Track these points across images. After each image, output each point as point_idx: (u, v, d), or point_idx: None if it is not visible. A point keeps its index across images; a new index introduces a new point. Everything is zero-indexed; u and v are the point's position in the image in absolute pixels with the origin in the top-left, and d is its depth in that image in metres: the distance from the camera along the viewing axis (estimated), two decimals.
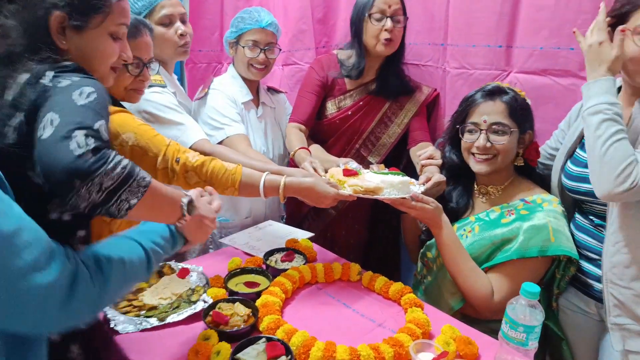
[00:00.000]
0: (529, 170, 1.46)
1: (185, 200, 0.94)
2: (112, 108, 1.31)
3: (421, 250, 1.59)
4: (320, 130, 2.00)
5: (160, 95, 1.63)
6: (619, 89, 1.30)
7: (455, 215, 1.53)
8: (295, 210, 2.15)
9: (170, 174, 1.32)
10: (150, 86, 1.57)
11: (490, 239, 1.36)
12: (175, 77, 2.03)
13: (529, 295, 0.97)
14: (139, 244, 0.87)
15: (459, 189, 1.55)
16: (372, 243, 2.23)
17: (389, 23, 1.72)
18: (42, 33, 0.85)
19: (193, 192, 1.02)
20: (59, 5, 0.85)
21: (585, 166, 1.29)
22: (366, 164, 1.85)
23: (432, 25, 1.89)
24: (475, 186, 1.52)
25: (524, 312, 0.97)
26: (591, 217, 1.30)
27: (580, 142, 1.36)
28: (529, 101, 1.42)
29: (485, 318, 1.38)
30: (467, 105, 1.44)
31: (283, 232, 1.74)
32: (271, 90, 2.11)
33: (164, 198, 0.88)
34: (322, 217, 2.09)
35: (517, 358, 1.00)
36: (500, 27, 1.66)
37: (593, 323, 1.33)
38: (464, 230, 1.46)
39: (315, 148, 1.91)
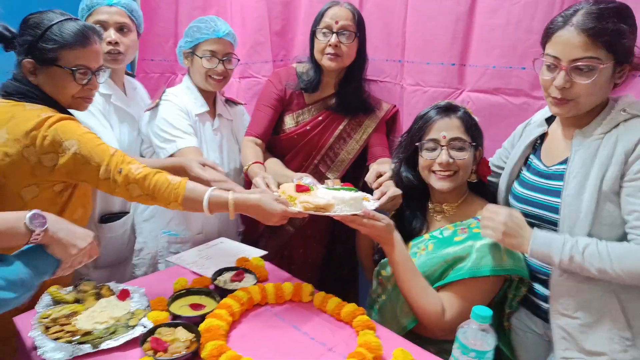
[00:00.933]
0: (482, 187, 1.47)
1: (28, 215, 0.99)
2: (57, 115, 1.25)
3: (376, 269, 1.57)
4: (278, 145, 1.95)
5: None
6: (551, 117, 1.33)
7: (411, 234, 1.51)
8: (252, 227, 2.09)
9: (113, 185, 1.27)
10: None
11: (442, 257, 1.35)
12: (139, 87, 1.98)
13: (481, 320, 0.95)
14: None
15: (413, 207, 1.53)
16: (330, 262, 2.19)
17: (333, 38, 1.71)
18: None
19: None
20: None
21: (532, 189, 1.30)
22: (324, 180, 1.82)
23: (390, 42, 1.89)
24: (430, 204, 1.51)
25: (475, 337, 0.95)
26: None
27: (525, 162, 1.37)
28: (476, 118, 1.43)
29: (436, 337, 1.36)
30: (423, 123, 1.43)
31: (235, 251, 1.67)
32: (229, 102, 2.05)
33: None
34: (279, 234, 2.03)
35: None
36: (454, 45, 1.68)
37: (542, 343, 1.33)
38: (418, 248, 1.44)
39: (273, 162, 1.86)
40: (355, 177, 1.97)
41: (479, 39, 1.63)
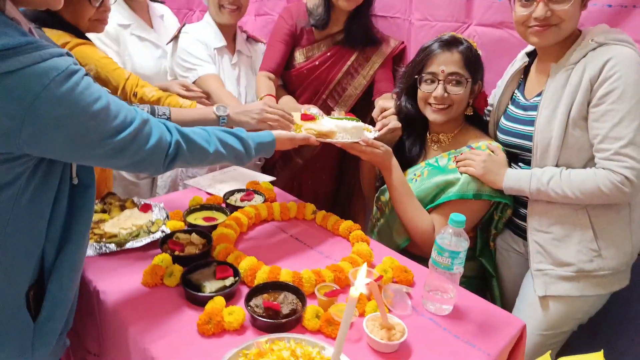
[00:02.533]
0: (478, 119, 1.54)
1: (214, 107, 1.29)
2: (75, 40, 1.36)
3: (376, 195, 1.68)
4: (288, 81, 2.04)
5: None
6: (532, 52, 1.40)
7: (409, 161, 1.61)
8: (268, 159, 2.22)
9: None
10: None
11: (435, 182, 1.45)
12: (171, 16, 2.06)
13: (456, 224, 1.06)
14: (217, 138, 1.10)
15: (412, 137, 1.62)
16: (339, 195, 2.32)
17: None
18: None
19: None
20: None
21: (514, 121, 1.38)
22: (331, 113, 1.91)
23: None
24: (428, 134, 1.60)
25: (450, 240, 1.06)
26: (521, 165, 1.39)
27: (511, 98, 1.44)
28: (479, 52, 1.47)
29: (426, 254, 1.48)
30: (424, 56, 1.48)
31: (247, 176, 1.81)
32: (250, 39, 2.14)
33: None
34: (290, 166, 2.16)
35: (443, 282, 1.11)
36: None
37: (522, 261, 1.45)
38: (415, 174, 1.54)
39: (286, 99, 1.96)
40: (362, 112, 2.04)
41: None
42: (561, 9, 1.18)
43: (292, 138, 1.32)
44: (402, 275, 1.20)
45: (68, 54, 0.80)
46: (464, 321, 1.10)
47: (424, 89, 1.47)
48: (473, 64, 1.43)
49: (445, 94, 1.42)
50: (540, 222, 1.31)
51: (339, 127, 1.41)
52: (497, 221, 1.48)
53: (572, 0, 1.17)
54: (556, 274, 1.29)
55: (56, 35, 1.37)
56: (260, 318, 0.99)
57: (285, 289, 1.08)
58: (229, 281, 1.11)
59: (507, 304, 1.51)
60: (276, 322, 0.98)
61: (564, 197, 1.21)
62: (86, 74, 0.81)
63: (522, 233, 1.42)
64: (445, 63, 1.42)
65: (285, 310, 1.01)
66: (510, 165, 1.42)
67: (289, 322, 0.99)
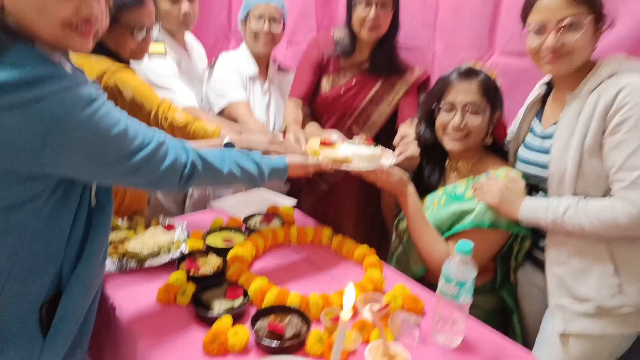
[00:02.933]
0: (498, 147, 1.52)
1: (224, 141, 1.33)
2: (116, 65, 1.47)
3: (395, 222, 1.68)
4: (315, 107, 2.09)
5: (159, 66, 1.80)
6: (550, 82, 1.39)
7: (429, 188, 1.61)
8: (294, 183, 2.26)
9: (160, 129, 1.47)
10: (152, 55, 1.75)
11: (452, 211, 1.44)
12: (196, 47, 2.18)
13: (463, 252, 1.05)
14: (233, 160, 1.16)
15: (432, 164, 1.62)
16: (363, 222, 2.32)
17: (372, 12, 1.79)
18: None
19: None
20: None
21: (532, 149, 1.37)
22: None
23: (425, 8, 1.94)
24: (447, 162, 1.60)
25: (457, 268, 1.05)
26: (541, 194, 1.35)
27: (529, 127, 1.42)
28: (499, 82, 1.47)
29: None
30: (443, 85, 1.50)
31: (269, 199, 1.85)
32: (281, 69, 2.24)
33: None
34: (314, 191, 2.19)
35: (452, 312, 1.09)
36: (484, 10, 1.71)
37: (544, 296, 1.39)
38: (432, 201, 1.54)
39: (312, 125, 2.02)
40: (388, 138, 2.06)
41: (508, 3, 1.65)
42: (571, 39, 1.18)
43: (305, 165, 1.35)
44: (412, 304, 1.19)
45: (92, 83, 0.88)
46: (473, 354, 1.08)
47: (442, 117, 1.48)
48: (491, 93, 1.43)
49: (463, 123, 1.43)
50: (559, 254, 1.27)
51: (355, 154, 1.43)
52: (517, 253, 1.45)
53: (582, 31, 1.17)
54: (576, 309, 1.24)
55: (100, 61, 1.47)
56: (263, 340, 1.01)
57: (292, 312, 1.10)
58: (237, 302, 1.14)
59: (529, 341, 1.45)
60: (278, 345, 1.00)
61: (581, 229, 1.18)
62: (107, 100, 0.88)
63: (542, 266, 1.37)
64: (463, 93, 1.43)
65: (288, 333, 1.03)
66: (530, 195, 1.40)
67: (292, 346, 1.01)
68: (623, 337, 1.23)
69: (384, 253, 2.36)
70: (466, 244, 1.06)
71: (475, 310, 1.49)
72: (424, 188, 1.59)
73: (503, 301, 1.50)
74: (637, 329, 1.22)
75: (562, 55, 1.21)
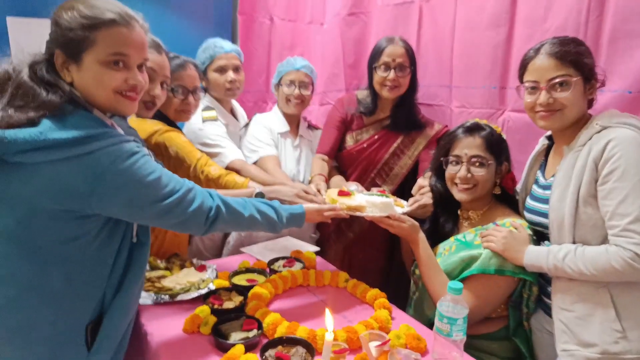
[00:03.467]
0: (507, 198, 1.60)
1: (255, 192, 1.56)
2: (165, 127, 1.72)
3: (412, 268, 1.76)
4: (341, 161, 2.26)
5: (211, 128, 2.06)
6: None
7: (443, 236, 1.69)
8: (323, 232, 2.39)
9: (198, 182, 1.67)
10: (205, 121, 2.01)
11: (461, 257, 1.51)
12: (240, 111, 2.44)
13: (453, 292, 1.13)
14: (253, 205, 1.32)
15: (446, 213, 1.72)
16: (391, 270, 2.39)
17: (391, 74, 1.98)
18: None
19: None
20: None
21: (536, 200, 1.44)
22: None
23: (441, 69, 2.11)
24: (459, 211, 1.69)
25: (448, 307, 1.13)
26: (547, 243, 1.41)
27: (534, 179, 1.50)
28: (504, 136, 1.58)
29: None
30: (449, 140, 1.63)
31: (295, 246, 1.99)
32: (311, 127, 2.45)
33: None
34: (342, 239, 2.31)
35: (450, 350, 1.15)
36: (494, 70, 1.85)
37: (554, 343, 1.41)
38: (444, 249, 1.62)
39: (337, 178, 2.18)
40: (409, 189, 2.18)
41: (517, 62, 1.78)
42: (562, 96, 1.29)
43: (320, 210, 1.49)
44: (414, 342, 1.26)
45: (134, 141, 1.09)
46: None
47: (449, 170, 1.59)
48: (495, 147, 1.54)
49: (469, 175, 1.53)
50: (563, 300, 1.31)
51: (369, 202, 1.56)
52: (527, 299, 1.48)
53: (571, 89, 1.28)
54: (582, 355, 1.26)
55: (153, 123, 1.73)
56: None
57: (299, 344, 1.21)
58: (252, 333, 1.26)
59: None
60: None
61: (580, 273, 1.23)
62: (145, 155, 1.08)
63: (551, 313, 1.40)
64: (468, 147, 1.54)
65: None
66: (539, 244, 1.46)
67: None
68: None
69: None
70: (456, 284, 1.14)
71: (491, 357, 1.54)
72: (439, 236, 1.69)
73: (518, 348, 1.52)
74: None
75: (553, 111, 1.32)
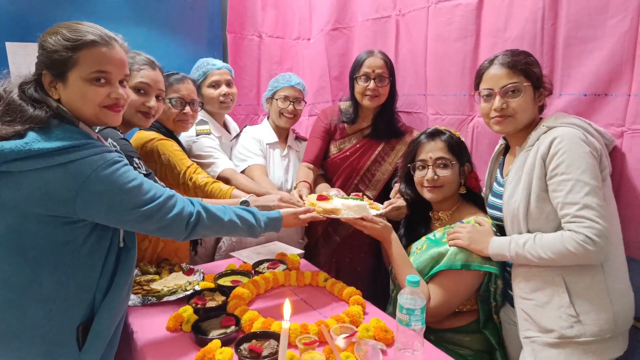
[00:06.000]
0: (474, 197, 1.69)
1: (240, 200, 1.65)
2: (158, 136, 1.84)
3: (390, 268, 1.85)
4: (326, 169, 2.37)
5: (205, 141, 2.19)
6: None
7: (417, 236, 1.78)
8: (310, 237, 2.49)
9: (186, 189, 1.80)
10: (199, 134, 2.14)
11: (430, 254, 1.60)
12: (232, 124, 2.56)
13: (410, 284, 1.22)
14: (233, 211, 1.40)
15: (419, 215, 1.81)
16: (376, 271, 2.48)
17: (371, 84, 2.09)
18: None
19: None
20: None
21: (496, 196, 1.55)
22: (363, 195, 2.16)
23: (417, 79, 2.22)
24: (431, 213, 1.78)
25: (407, 299, 1.21)
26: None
27: (495, 177, 1.60)
28: (462, 139, 1.68)
29: (428, 324, 1.59)
30: (414, 147, 1.73)
31: (280, 250, 2.09)
32: (299, 138, 2.56)
33: None
34: (329, 243, 2.40)
35: (412, 339, 1.24)
36: (464, 79, 1.95)
37: None
38: (417, 248, 1.71)
39: (322, 185, 2.28)
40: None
41: None
42: (514, 101, 1.39)
43: (296, 213, 1.59)
44: (381, 334, 1.35)
45: (117, 151, 1.20)
46: None
47: (417, 175, 1.69)
48: (456, 148, 1.64)
49: (436, 177, 1.63)
50: (523, 289, 1.39)
51: (344, 205, 1.66)
52: (494, 293, 1.56)
53: (521, 95, 1.39)
54: (542, 340, 1.34)
55: (150, 133, 1.87)
56: (244, 358, 1.21)
57: (272, 337, 1.30)
58: (230, 329, 1.36)
59: None
60: None
61: (539, 258, 1.31)
62: (126, 164, 1.19)
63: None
64: (432, 150, 1.64)
65: (265, 353, 1.23)
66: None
67: None
68: None
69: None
70: (413, 277, 1.23)
71: (464, 350, 1.62)
72: (413, 236, 1.78)
73: (489, 340, 1.60)
74: (601, 357, 1.29)
75: (506, 116, 1.42)
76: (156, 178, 1.59)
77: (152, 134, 1.86)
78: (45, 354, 1.15)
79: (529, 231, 1.37)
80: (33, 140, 1.07)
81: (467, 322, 1.61)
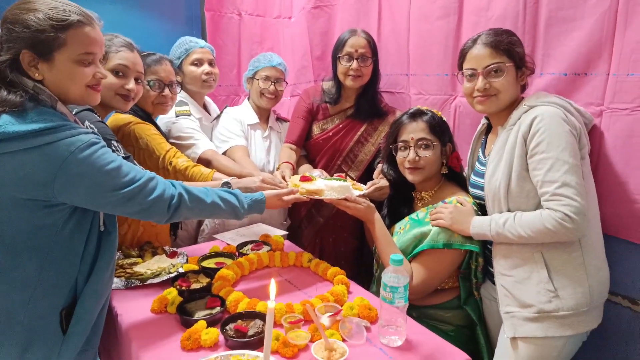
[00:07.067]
0: (456, 176, 1.71)
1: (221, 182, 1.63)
2: (135, 119, 1.80)
3: (373, 248, 1.87)
4: (309, 150, 2.36)
5: (185, 122, 2.15)
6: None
7: (400, 217, 1.80)
8: (294, 218, 2.49)
9: (166, 173, 1.78)
10: (179, 115, 2.09)
11: (413, 234, 1.62)
12: (212, 106, 2.52)
13: (394, 263, 1.24)
14: (215, 193, 1.39)
15: (402, 196, 1.82)
16: (360, 252, 2.50)
17: (354, 64, 2.07)
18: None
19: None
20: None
21: (477, 175, 1.56)
22: (346, 176, 2.17)
23: (400, 59, 2.21)
24: (413, 193, 1.79)
25: (390, 277, 1.23)
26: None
27: (477, 156, 1.61)
28: (444, 118, 1.69)
29: (411, 301, 1.62)
30: (396, 128, 1.73)
31: (266, 231, 2.08)
32: (280, 119, 2.54)
33: None
34: (313, 224, 2.41)
35: (395, 316, 1.26)
36: (446, 58, 1.95)
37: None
38: (400, 228, 1.73)
39: (305, 167, 2.27)
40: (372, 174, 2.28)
41: None
42: (496, 81, 1.40)
43: (279, 194, 1.58)
44: (365, 311, 1.37)
45: (94, 133, 1.17)
46: (411, 352, 1.23)
47: (399, 155, 1.70)
48: (438, 129, 1.64)
49: (417, 157, 1.63)
50: (504, 265, 1.43)
51: (327, 186, 1.66)
52: (475, 270, 1.60)
53: (504, 75, 1.40)
54: (522, 315, 1.37)
55: (127, 116, 1.83)
56: (230, 338, 1.22)
57: (257, 317, 1.31)
58: (215, 310, 1.36)
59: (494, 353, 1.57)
60: (240, 341, 1.20)
61: (519, 236, 1.33)
62: (104, 146, 1.16)
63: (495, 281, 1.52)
64: (414, 131, 1.65)
65: (250, 332, 1.23)
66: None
67: (252, 342, 1.21)
68: (566, 339, 1.34)
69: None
70: (397, 256, 1.24)
71: (446, 326, 1.66)
72: (396, 217, 1.79)
73: (470, 316, 1.64)
74: (577, 330, 1.33)
75: (489, 96, 1.43)
76: (135, 161, 1.56)
77: (129, 117, 1.82)
78: (28, 338, 1.14)
79: (509, 209, 1.39)
80: (7, 123, 1.04)
81: (448, 299, 1.65)
